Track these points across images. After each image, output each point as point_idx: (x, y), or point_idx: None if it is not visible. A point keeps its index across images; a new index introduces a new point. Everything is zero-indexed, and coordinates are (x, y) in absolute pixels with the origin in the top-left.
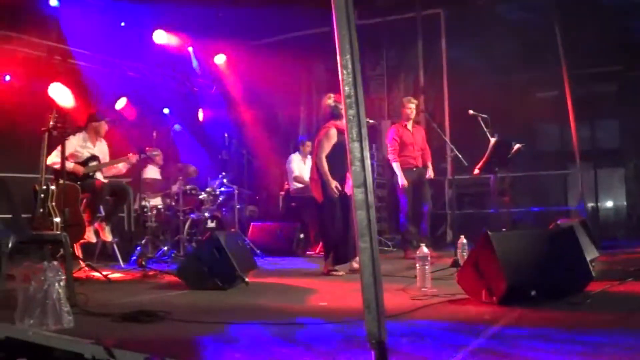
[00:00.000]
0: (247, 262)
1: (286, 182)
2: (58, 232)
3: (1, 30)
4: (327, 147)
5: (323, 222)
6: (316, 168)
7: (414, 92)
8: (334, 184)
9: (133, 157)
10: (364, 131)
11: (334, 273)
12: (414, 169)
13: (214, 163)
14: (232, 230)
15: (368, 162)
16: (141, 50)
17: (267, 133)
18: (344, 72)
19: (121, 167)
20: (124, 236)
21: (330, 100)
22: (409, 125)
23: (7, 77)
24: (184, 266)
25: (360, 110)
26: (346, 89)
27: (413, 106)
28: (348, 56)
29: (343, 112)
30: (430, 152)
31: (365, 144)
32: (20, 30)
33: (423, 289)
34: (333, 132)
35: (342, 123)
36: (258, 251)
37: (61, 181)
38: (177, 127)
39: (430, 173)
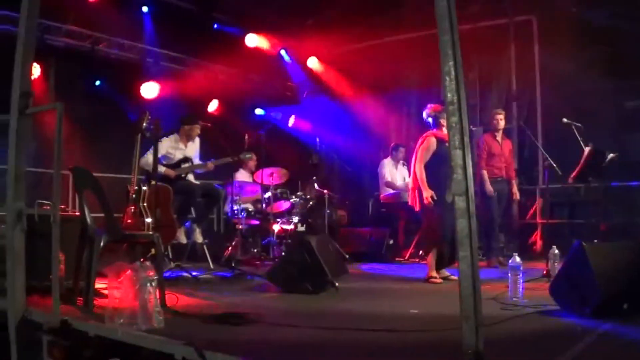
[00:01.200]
0: (337, 266)
1: (376, 188)
2: (150, 233)
3: (96, 32)
4: (426, 156)
5: (426, 228)
6: (415, 176)
7: (506, 99)
8: (429, 193)
9: (211, 165)
10: (467, 139)
11: (433, 280)
12: (499, 179)
13: (304, 167)
14: (323, 234)
15: (470, 170)
16: (232, 53)
17: (358, 137)
18: (447, 79)
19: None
20: (214, 238)
21: (429, 110)
22: (498, 136)
23: (98, 82)
24: (274, 269)
25: (463, 118)
26: (449, 95)
27: (500, 117)
28: (451, 63)
29: (443, 120)
30: (521, 161)
31: (468, 151)
32: (113, 33)
33: (514, 299)
34: (432, 141)
35: (442, 132)
36: (347, 256)
37: (153, 182)
38: (291, 120)
39: (514, 191)
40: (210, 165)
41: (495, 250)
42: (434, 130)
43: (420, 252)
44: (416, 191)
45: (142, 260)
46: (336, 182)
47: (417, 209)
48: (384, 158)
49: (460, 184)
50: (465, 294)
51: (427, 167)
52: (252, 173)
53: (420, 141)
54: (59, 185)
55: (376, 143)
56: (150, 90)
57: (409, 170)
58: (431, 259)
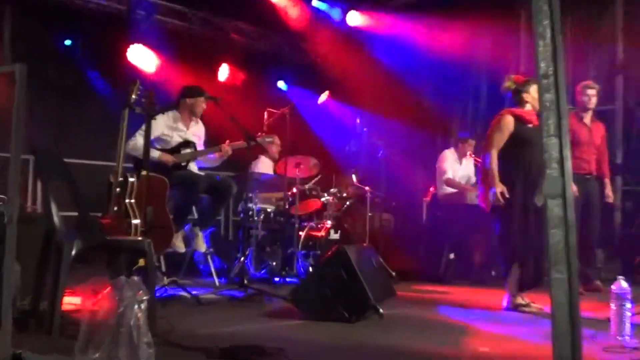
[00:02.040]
0: (382, 287)
1: (433, 186)
2: (139, 238)
3: None
4: (499, 140)
5: (501, 237)
6: (491, 168)
7: (608, 71)
8: (499, 188)
9: (227, 148)
10: (565, 123)
11: (524, 309)
12: (587, 176)
13: (340, 156)
14: (364, 244)
15: (569, 164)
16: (246, 7)
17: (411, 122)
18: (540, 43)
19: (214, 158)
20: (222, 246)
21: (509, 82)
22: (586, 118)
23: (68, 42)
24: (299, 289)
25: (561, 95)
26: (542, 65)
27: (592, 92)
28: (546, 22)
29: (526, 95)
30: (627, 154)
31: (566, 140)
32: None
33: (620, 338)
34: (509, 121)
35: (524, 110)
36: (394, 273)
37: (143, 172)
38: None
39: (608, 193)
40: (226, 148)
41: (589, 272)
42: (513, 107)
43: (492, 271)
44: (487, 186)
45: (127, 274)
46: (381, 176)
47: (488, 210)
48: (445, 149)
49: (555, 183)
50: (559, 331)
51: (502, 154)
52: (275, 162)
53: (494, 120)
54: (17, 174)
55: (435, 130)
56: (139, 54)
57: (479, 166)
58: (511, 280)
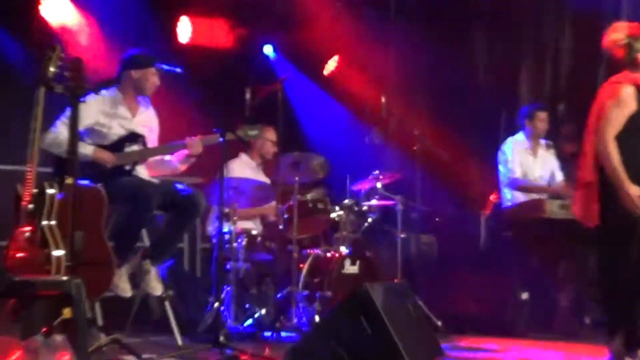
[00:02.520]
0: (423, 344)
1: (494, 193)
2: (63, 278)
3: None
4: (617, 120)
5: (608, 270)
6: (592, 162)
7: None
8: (635, 192)
9: (195, 143)
10: None
11: None
12: None
13: (355, 152)
14: (395, 281)
15: None
16: None
17: (457, 103)
18: None
19: (176, 162)
20: (186, 287)
21: (618, 33)
22: None
23: None
24: (301, 349)
25: None
26: None
27: None
28: None
29: None
30: None
31: None
32: None
33: None
34: (628, 93)
35: None
36: (439, 323)
37: (69, 180)
38: (332, 63)
39: None
40: (194, 143)
41: None
42: (631, 72)
43: (586, 318)
44: (592, 190)
45: (45, 330)
46: (417, 181)
47: (592, 224)
48: (509, 135)
49: None
50: None
51: (621, 141)
52: (263, 163)
53: (604, 91)
54: None
55: (489, 112)
56: (59, 9)
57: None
58: (618, 334)
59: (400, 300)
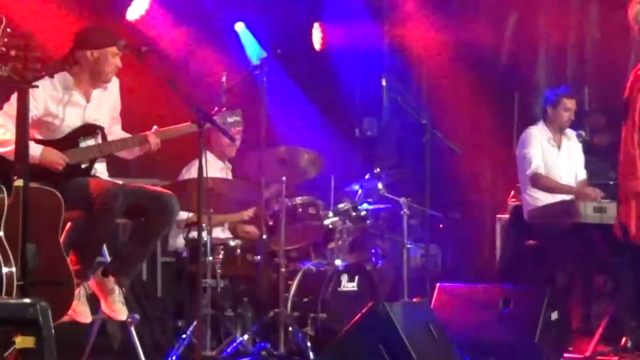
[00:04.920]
0: None
1: (513, 193)
2: (14, 300)
3: None
4: None
5: None
6: (629, 157)
7: None
8: None
9: (153, 137)
10: None
11: None
12: None
13: (348, 145)
14: (415, 300)
15: None
16: None
17: (474, 86)
18: None
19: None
20: (152, 309)
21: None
22: None
23: None
24: None
25: None
26: None
27: None
28: None
29: None
30: None
31: None
32: None
33: None
34: None
35: None
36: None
37: (18, 182)
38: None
39: None
40: (153, 139)
41: None
42: None
43: (628, 340)
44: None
45: None
46: (424, 179)
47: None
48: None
49: None
50: None
51: None
52: (229, 159)
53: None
54: None
55: (505, 90)
56: None
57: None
58: None
59: (422, 322)
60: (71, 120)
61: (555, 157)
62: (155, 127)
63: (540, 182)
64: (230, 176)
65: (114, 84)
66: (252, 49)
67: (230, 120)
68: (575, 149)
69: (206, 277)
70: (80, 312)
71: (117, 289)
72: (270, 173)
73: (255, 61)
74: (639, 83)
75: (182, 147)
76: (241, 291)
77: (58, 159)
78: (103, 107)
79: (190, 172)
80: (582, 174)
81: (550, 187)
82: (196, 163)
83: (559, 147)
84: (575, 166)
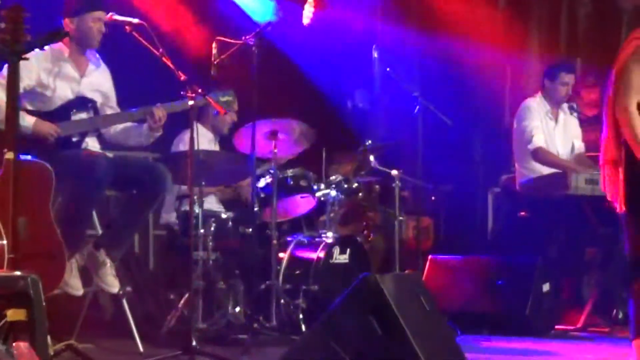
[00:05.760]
0: (441, 344)
1: (505, 165)
2: (16, 273)
3: None
4: (637, 80)
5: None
6: (615, 136)
7: None
8: None
9: (160, 112)
10: None
11: None
12: None
13: (340, 118)
14: (408, 272)
15: None
16: None
17: (466, 57)
18: None
19: (141, 132)
20: (142, 281)
21: None
22: None
23: None
24: (297, 354)
25: None
26: None
27: None
28: None
29: None
30: None
31: None
32: None
33: None
34: None
35: None
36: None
37: (9, 154)
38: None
39: None
40: (160, 111)
41: None
42: None
43: (618, 311)
44: (616, 168)
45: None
46: (417, 152)
47: (620, 209)
48: (527, 97)
49: None
50: None
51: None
52: (220, 133)
53: (623, 53)
54: None
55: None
56: None
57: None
58: None
59: (414, 295)
60: (63, 92)
61: (553, 130)
62: (156, 107)
63: (543, 157)
64: (213, 145)
65: (106, 69)
66: (258, 9)
67: (223, 99)
68: (572, 121)
69: (198, 250)
70: (72, 285)
71: (108, 261)
72: (262, 145)
73: (265, 20)
74: (619, 57)
75: (171, 119)
76: (233, 264)
77: (50, 130)
78: (96, 86)
79: (185, 143)
80: (580, 147)
81: (552, 161)
82: (187, 134)
83: (556, 120)
84: (571, 139)
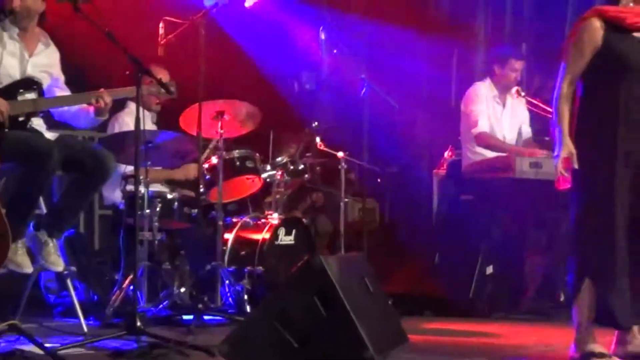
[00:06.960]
0: (386, 326)
1: (450, 148)
2: None
3: None
4: (575, 61)
5: (578, 240)
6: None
7: None
8: (566, 150)
9: (106, 95)
10: None
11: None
12: None
13: (289, 100)
14: (353, 254)
15: None
16: None
17: (413, 38)
18: None
19: (88, 115)
20: (87, 261)
21: None
22: None
23: None
24: (241, 335)
25: None
26: None
27: None
28: None
29: None
30: None
31: None
32: None
33: None
34: (593, 29)
35: (618, 7)
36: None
37: None
38: None
39: None
40: (107, 96)
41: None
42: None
43: (561, 294)
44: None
45: None
46: (363, 133)
47: (560, 186)
48: (474, 80)
49: None
50: None
51: (584, 87)
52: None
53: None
54: None
55: (443, 44)
56: None
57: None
58: (583, 304)
59: (359, 277)
60: (10, 69)
61: (500, 115)
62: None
63: (485, 141)
64: (155, 128)
65: (54, 48)
66: None
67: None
68: (520, 106)
69: (143, 230)
70: (21, 262)
71: (50, 241)
72: (208, 126)
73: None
74: (572, 37)
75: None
76: (178, 244)
77: (1, 107)
78: (44, 67)
79: (120, 124)
80: (527, 132)
81: (495, 145)
82: (121, 115)
83: (503, 105)
84: (519, 123)
